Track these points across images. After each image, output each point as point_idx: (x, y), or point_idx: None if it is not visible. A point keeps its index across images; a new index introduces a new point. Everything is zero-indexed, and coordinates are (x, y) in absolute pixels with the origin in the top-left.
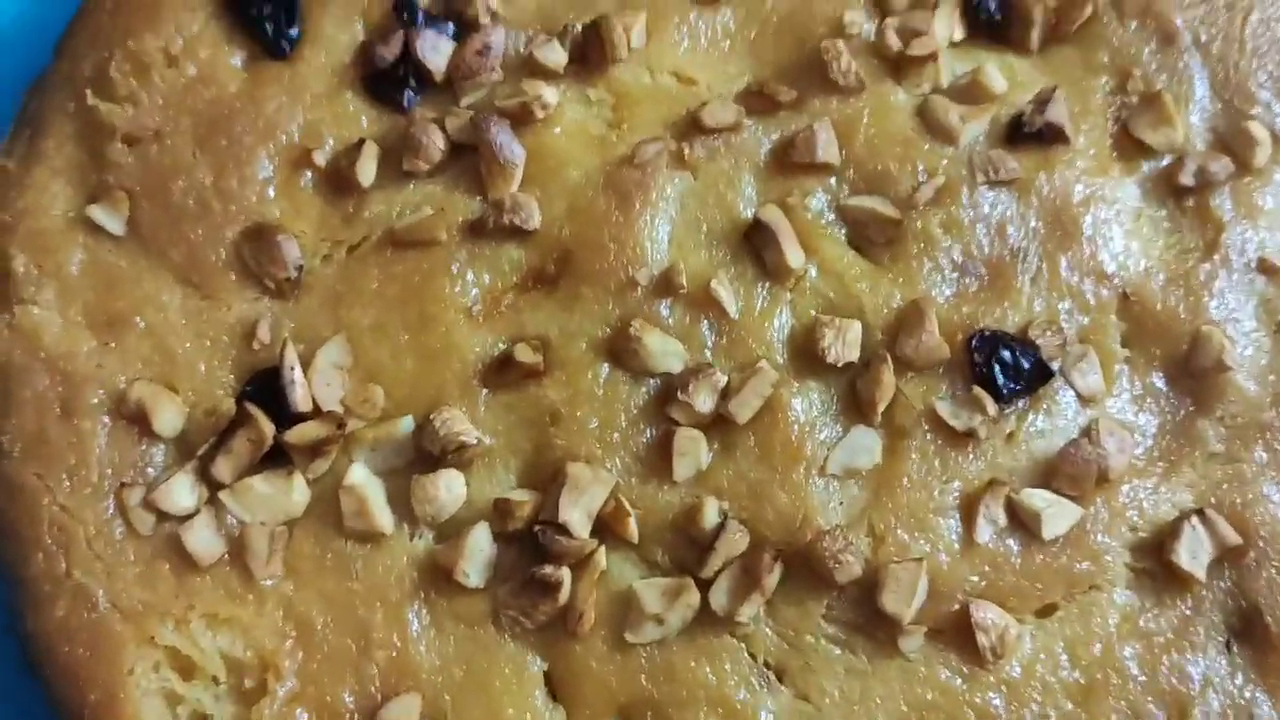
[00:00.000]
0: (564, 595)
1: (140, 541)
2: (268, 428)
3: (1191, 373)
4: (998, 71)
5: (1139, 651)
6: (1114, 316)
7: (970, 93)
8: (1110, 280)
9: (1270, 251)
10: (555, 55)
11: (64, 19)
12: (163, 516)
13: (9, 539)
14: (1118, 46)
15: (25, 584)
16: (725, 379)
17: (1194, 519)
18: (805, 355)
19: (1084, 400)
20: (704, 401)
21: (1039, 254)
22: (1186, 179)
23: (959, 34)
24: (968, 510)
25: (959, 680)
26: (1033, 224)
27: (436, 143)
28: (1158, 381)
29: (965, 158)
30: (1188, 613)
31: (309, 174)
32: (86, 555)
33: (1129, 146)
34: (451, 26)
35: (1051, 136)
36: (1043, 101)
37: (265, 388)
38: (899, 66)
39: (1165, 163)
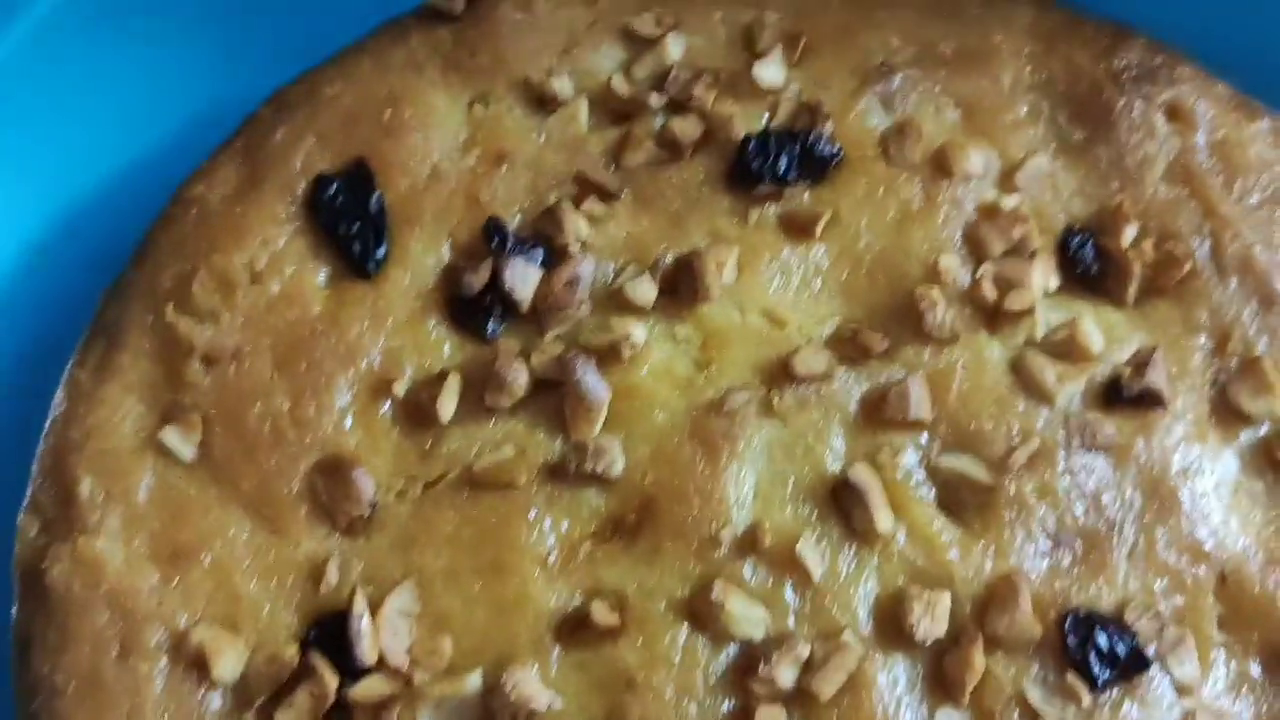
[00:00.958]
0: None
1: None
2: (331, 681)
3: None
4: (1095, 328)
5: None
6: (1211, 598)
7: (1066, 349)
8: (1209, 559)
9: None
10: (645, 291)
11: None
12: None
13: None
14: (1217, 305)
15: None
16: (808, 650)
17: None
18: (891, 627)
19: (1180, 690)
20: (786, 675)
21: (1136, 527)
22: None
23: (1054, 283)
24: None
25: None
26: (1129, 494)
27: (520, 379)
28: (1254, 669)
29: (1061, 420)
30: None
31: (388, 404)
32: None
33: (1227, 414)
34: (541, 253)
35: (1150, 400)
36: (1141, 364)
37: (331, 634)
38: (994, 317)
39: (1264, 432)
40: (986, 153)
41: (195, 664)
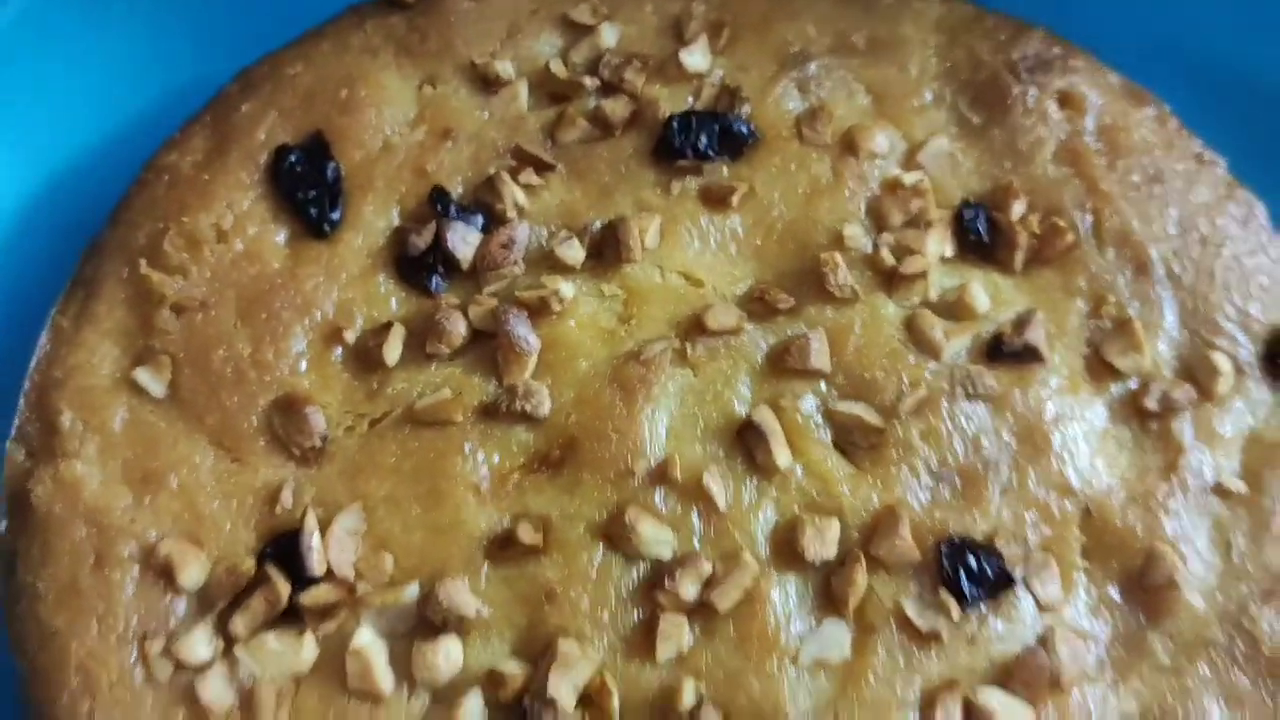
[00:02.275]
0: None
1: (158, 689)
2: (284, 589)
3: (1144, 587)
4: (982, 290)
5: None
6: (1076, 529)
7: (955, 309)
8: (1075, 495)
9: (1226, 476)
10: (574, 252)
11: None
12: (180, 666)
13: (38, 679)
14: (1095, 273)
15: None
16: (710, 568)
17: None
18: (786, 550)
19: (1042, 607)
20: (689, 589)
21: (1010, 466)
22: (1151, 403)
23: (949, 251)
24: (927, 707)
25: None
26: (1006, 438)
27: (459, 329)
28: (1113, 593)
29: (947, 372)
30: None
31: (339, 350)
32: (107, 700)
33: (1100, 369)
34: (481, 218)
35: (1028, 356)
36: (1022, 323)
37: (284, 550)
38: (891, 280)
39: (1133, 386)
40: (892, 134)
41: (163, 573)
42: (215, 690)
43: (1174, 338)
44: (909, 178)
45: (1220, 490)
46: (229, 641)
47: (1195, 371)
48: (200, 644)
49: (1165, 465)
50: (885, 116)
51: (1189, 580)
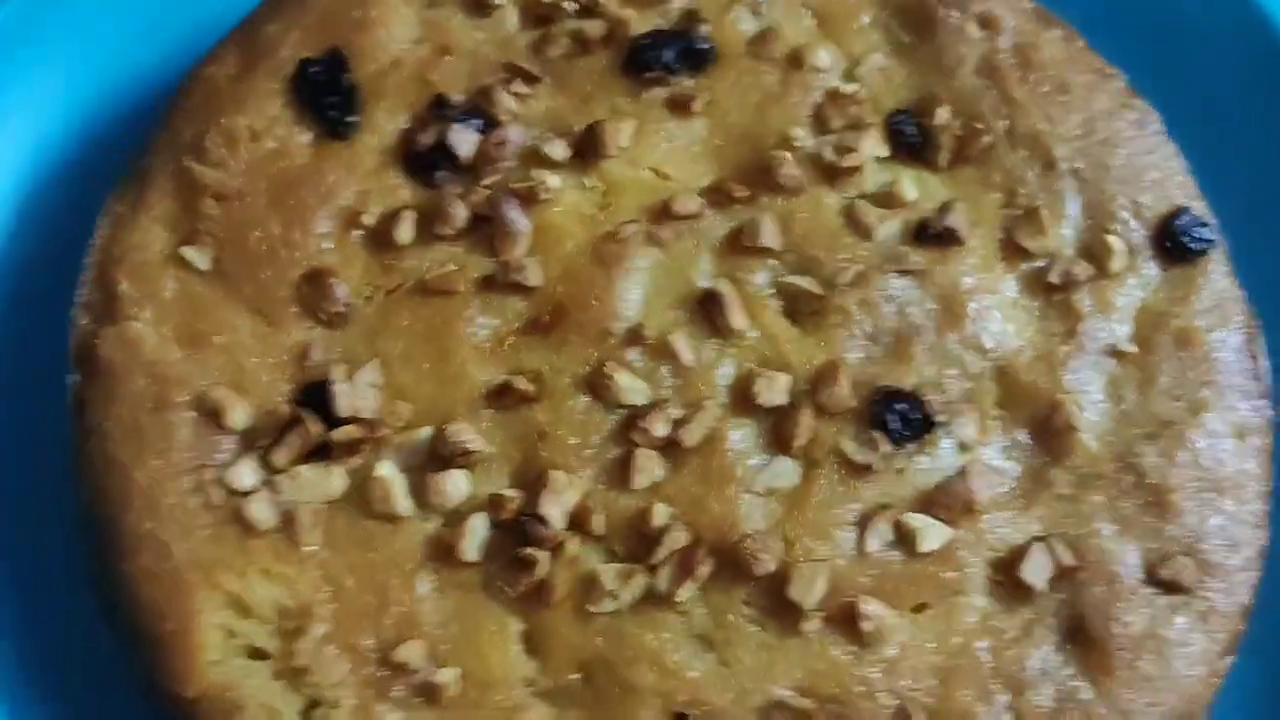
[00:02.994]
0: (540, 572)
1: (211, 511)
2: (316, 428)
3: (1048, 431)
4: (912, 185)
5: (991, 644)
6: (990, 383)
7: (888, 199)
8: (988, 354)
9: (1120, 340)
10: (559, 151)
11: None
12: (231, 492)
13: (105, 501)
14: (1009, 169)
15: (115, 538)
16: (679, 412)
17: (1040, 544)
18: (743, 398)
19: (961, 447)
20: (660, 429)
21: (933, 330)
22: (1055, 278)
23: (883, 152)
24: (862, 526)
25: (848, 657)
26: (929, 306)
27: (460, 213)
28: (1021, 437)
29: (880, 251)
30: (1031, 617)
31: (359, 232)
32: (167, 519)
33: (1012, 250)
34: (479, 121)
35: (949, 239)
36: (944, 210)
37: (315, 396)
38: (832, 174)
39: (1040, 265)
40: (834, 51)
41: (212, 416)
42: (261, 511)
43: (1076, 223)
44: (847, 88)
45: (1114, 351)
46: (271, 472)
47: (1094, 251)
48: (246, 474)
49: (1066, 330)
50: (828, 37)
51: (1085, 425)
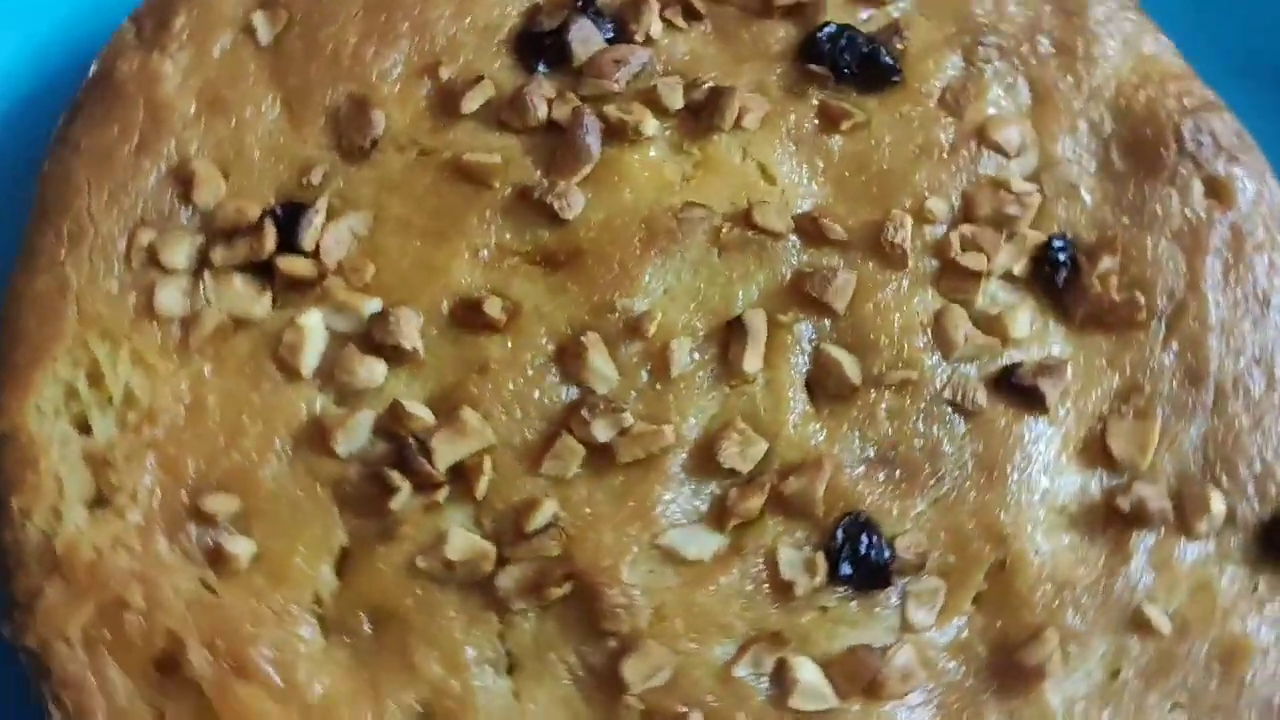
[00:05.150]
0: (395, 503)
1: (129, 272)
2: (270, 244)
3: (1014, 665)
4: (1028, 320)
5: None
6: (981, 576)
7: (991, 323)
8: (999, 543)
9: (1154, 612)
10: (675, 100)
11: None
12: (154, 262)
13: (40, 212)
14: (1146, 361)
15: (29, 254)
16: (630, 423)
17: None
18: (706, 445)
19: (904, 626)
20: (601, 430)
21: (953, 485)
22: (1124, 504)
23: (1018, 270)
24: (745, 643)
25: None
26: (965, 458)
27: (538, 111)
28: (980, 650)
29: (948, 371)
30: None
31: (429, 81)
32: (83, 259)
33: (1095, 448)
34: (611, 28)
35: (1032, 400)
36: (1047, 369)
37: (289, 216)
38: (946, 266)
39: (1116, 480)
40: (1031, 140)
41: (184, 183)
42: (170, 298)
43: (1185, 458)
44: (1021, 186)
45: (1140, 621)
46: (204, 266)
47: (1185, 499)
48: (180, 252)
49: (1105, 569)
50: (1033, 120)
51: (1057, 682)
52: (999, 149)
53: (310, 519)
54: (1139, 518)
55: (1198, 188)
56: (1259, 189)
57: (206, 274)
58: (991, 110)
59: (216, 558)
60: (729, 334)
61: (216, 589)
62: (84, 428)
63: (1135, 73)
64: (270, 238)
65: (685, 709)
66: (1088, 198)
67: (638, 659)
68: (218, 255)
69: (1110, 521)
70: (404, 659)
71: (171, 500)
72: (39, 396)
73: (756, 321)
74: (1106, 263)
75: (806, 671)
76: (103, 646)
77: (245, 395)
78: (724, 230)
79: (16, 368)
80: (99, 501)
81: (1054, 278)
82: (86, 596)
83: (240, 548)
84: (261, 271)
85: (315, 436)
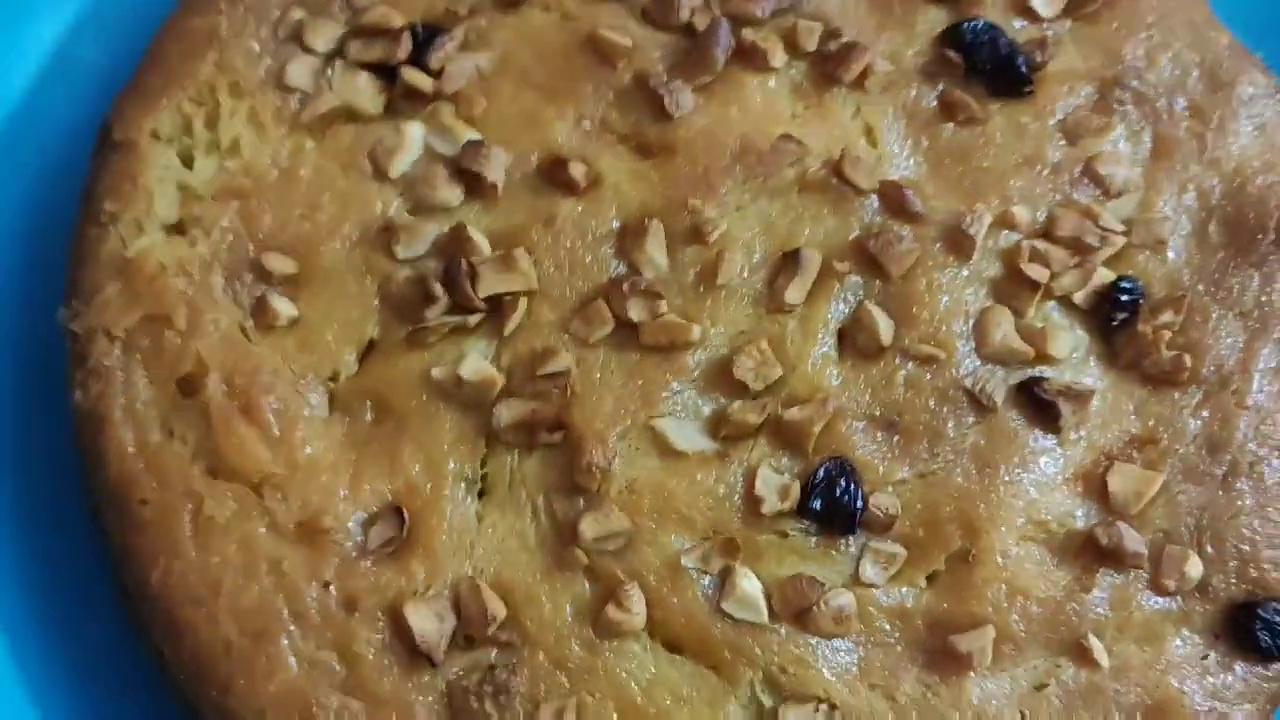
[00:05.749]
0: (430, 312)
1: (272, 38)
2: (401, 54)
3: (946, 645)
4: (1070, 346)
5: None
6: (943, 556)
7: (1033, 335)
8: (969, 533)
9: (1099, 650)
10: (810, 43)
11: None
12: (298, 38)
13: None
14: (1171, 419)
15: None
16: (663, 307)
17: (821, 706)
18: (726, 358)
19: (856, 578)
20: (635, 309)
21: (944, 466)
22: (1105, 540)
23: (1079, 300)
24: (698, 542)
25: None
26: (964, 447)
27: (682, 14)
28: (919, 623)
29: (975, 364)
30: None
31: None
32: (238, 15)
33: (1094, 482)
34: None
35: (1046, 415)
36: (1072, 393)
37: (427, 35)
38: (1009, 272)
39: (1102, 517)
40: (1137, 185)
41: None
42: (300, 73)
43: (1178, 518)
44: (1110, 223)
45: (1081, 646)
46: (339, 54)
47: (1164, 554)
48: (324, 36)
49: (1063, 591)
50: (1146, 170)
51: (981, 676)
52: (1101, 183)
53: (352, 304)
54: (1113, 555)
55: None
56: None
57: (338, 62)
58: (1108, 148)
59: (260, 310)
60: (782, 263)
61: (251, 337)
62: (187, 161)
63: (1260, 158)
64: (405, 48)
65: (625, 579)
66: (1172, 255)
67: (598, 518)
68: (353, 49)
69: (1085, 551)
70: (391, 452)
71: (239, 247)
72: (157, 121)
73: (812, 259)
74: (1166, 317)
75: (748, 583)
76: (138, 353)
77: (334, 178)
78: (811, 170)
79: (148, 88)
80: (177, 228)
81: (1112, 316)
82: (139, 304)
83: (284, 308)
84: (386, 75)
85: (380, 234)
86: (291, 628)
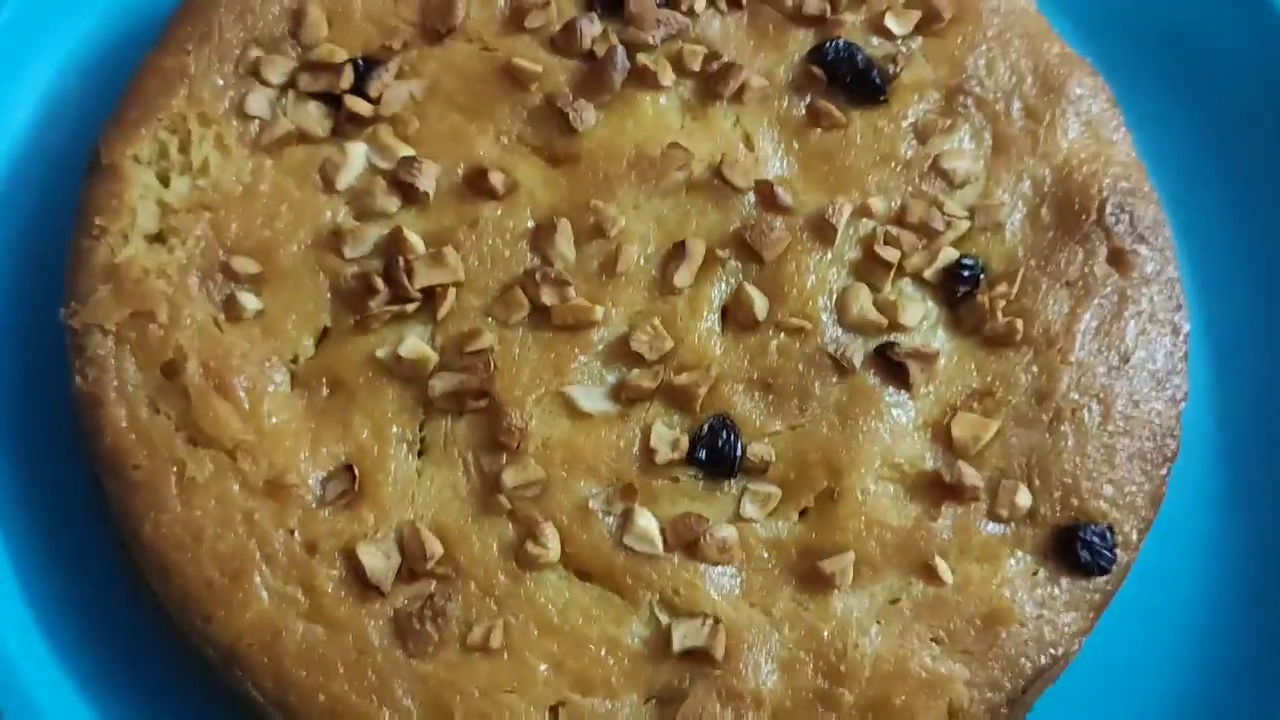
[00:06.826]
0: (373, 302)
1: (234, 74)
2: (344, 84)
3: (815, 568)
4: (919, 314)
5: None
6: (813, 497)
7: (888, 308)
8: (835, 477)
9: (941, 565)
10: (694, 62)
11: None
12: (256, 74)
13: (183, 14)
14: (1005, 374)
15: (167, 38)
16: (572, 297)
17: (708, 620)
18: (627, 334)
19: (738, 516)
20: (547, 294)
21: (810, 419)
22: (949, 477)
23: (929, 275)
24: (605, 486)
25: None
26: (830, 403)
27: (583, 42)
28: (792, 551)
29: (835, 335)
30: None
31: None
32: (205, 55)
33: (941, 430)
34: None
35: (899, 375)
36: (919, 355)
37: (366, 67)
38: (865, 255)
39: (947, 458)
40: (976, 177)
41: (297, 20)
42: (259, 103)
43: (1010, 457)
44: (954, 210)
45: (929, 566)
46: (290, 86)
47: (999, 487)
48: (277, 71)
49: (913, 521)
50: (987, 164)
51: (844, 593)
52: (947, 176)
53: (307, 297)
54: (956, 490)
55: (1102, 253)
56: (1158, 270)
57: (290, 93)
58: (954, 145)
59: (230, 305)
60: (672, 253)
61: (223, 327)
62: (164, 181)
63: (1086, 149)
64: (347, 79)
65: (542, 519)
66: (1009, 236)
67: (517, 469)
68: (303, 81)
69: (933, 487)
70: (344, 421)
71: (210, 252)
72: (138, 147)
73: (697, 248)
74: (1002, 289)
75: (645, 521)
76: (127, 344)
77: (289, 191)
78: (696, 173)
79: (128, 119)
80: (158, 238)
81: (956, 289)
82: (127, 302)
83: (249, 302)
84: (332, 103)
85: (330, 238)
86: (263, 568)
